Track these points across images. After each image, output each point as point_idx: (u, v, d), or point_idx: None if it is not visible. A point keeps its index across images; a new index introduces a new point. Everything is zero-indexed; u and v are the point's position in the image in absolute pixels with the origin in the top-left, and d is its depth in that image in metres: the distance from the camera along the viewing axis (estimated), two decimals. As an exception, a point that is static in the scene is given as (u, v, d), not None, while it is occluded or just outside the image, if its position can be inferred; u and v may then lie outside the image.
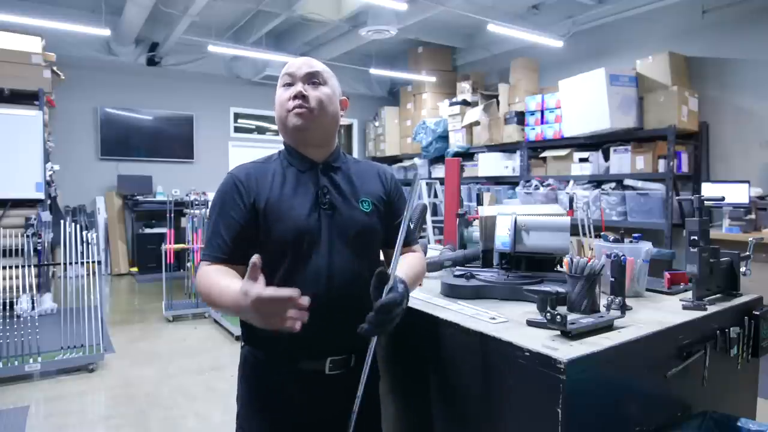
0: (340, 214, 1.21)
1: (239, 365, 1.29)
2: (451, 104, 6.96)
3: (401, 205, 1.33)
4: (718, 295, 1.43)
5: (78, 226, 3.78)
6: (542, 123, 5.84)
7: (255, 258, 0.94)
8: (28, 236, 4.46)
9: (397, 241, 1.12)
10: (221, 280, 1.10)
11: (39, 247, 4.58)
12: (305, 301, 0.94)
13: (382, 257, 1.35)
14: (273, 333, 1.00)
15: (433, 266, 1.74)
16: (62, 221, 3.82)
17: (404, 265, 1.26)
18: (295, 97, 1.20)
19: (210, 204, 1.26)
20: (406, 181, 7.98)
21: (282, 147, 1.31)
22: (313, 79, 1.23)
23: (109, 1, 5.99)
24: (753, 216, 4.14)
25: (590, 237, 2.19)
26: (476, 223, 1.92)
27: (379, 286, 1.10)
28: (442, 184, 6.27)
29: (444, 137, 7.08)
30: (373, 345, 1.12)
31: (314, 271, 1.16)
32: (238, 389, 1.28)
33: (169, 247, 4.97)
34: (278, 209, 1.17)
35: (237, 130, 8.44)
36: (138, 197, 7.27)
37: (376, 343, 1.17)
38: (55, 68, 5.44)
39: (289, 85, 1.23)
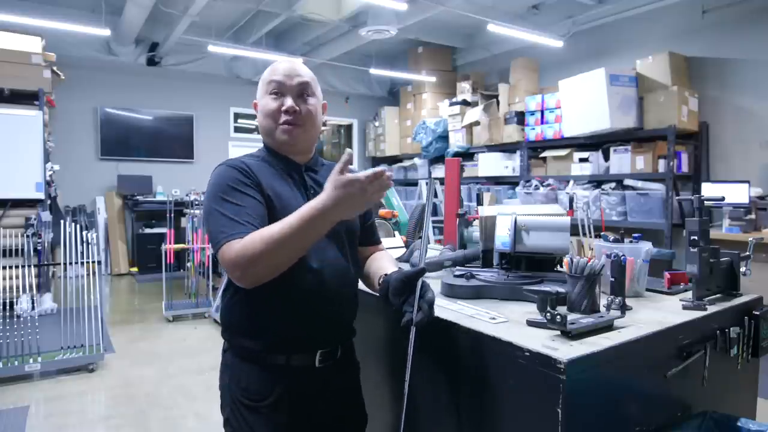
0: None
1: (223, 373, 1.26)
2: (451, 104, 6.96)
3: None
4: (718, 295, 1.43)
5: (78, 226, 3.78)
6: (542, 123, 5.84)
7: (348, 154, 1.01)
8: (28, 236, 4.45)
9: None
10: (275, 224, 1.04)
11: (39, 247, 4.58)
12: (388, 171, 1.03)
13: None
14: (269, 327, 1.17)
15: (433, 266, 1.74)
16: (62, 221, 3.81)
17: (390, 264, 1.31)
18: (287, 111, 1.20)
19: (210, 192, 1.16)
20: (406, 180, 7.98)
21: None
22: (304, 92, 1.23)
23: (109, 1, 5.99)
24: (753, 216, 4.14)
25: (590, 237, 2.19)
26: (476, 223, 1.92)
27: (409, 282, 1.12)
28: (442, 184, 6.25)
29: (444, 137, 7.08)
30: (413, 335, 1.14)
31: (309, 266, 1.17)
32: (225, 397, 1.24)
33: (169, 247, 4.97)
34: (279, 203, 1.18)
35: (237, 130, 8.43)
36: (138, 197, 7.26)
37: (356, 337, 1.34)
38: (55, 68, 5.44)
39: (278, 94, 1.22)
